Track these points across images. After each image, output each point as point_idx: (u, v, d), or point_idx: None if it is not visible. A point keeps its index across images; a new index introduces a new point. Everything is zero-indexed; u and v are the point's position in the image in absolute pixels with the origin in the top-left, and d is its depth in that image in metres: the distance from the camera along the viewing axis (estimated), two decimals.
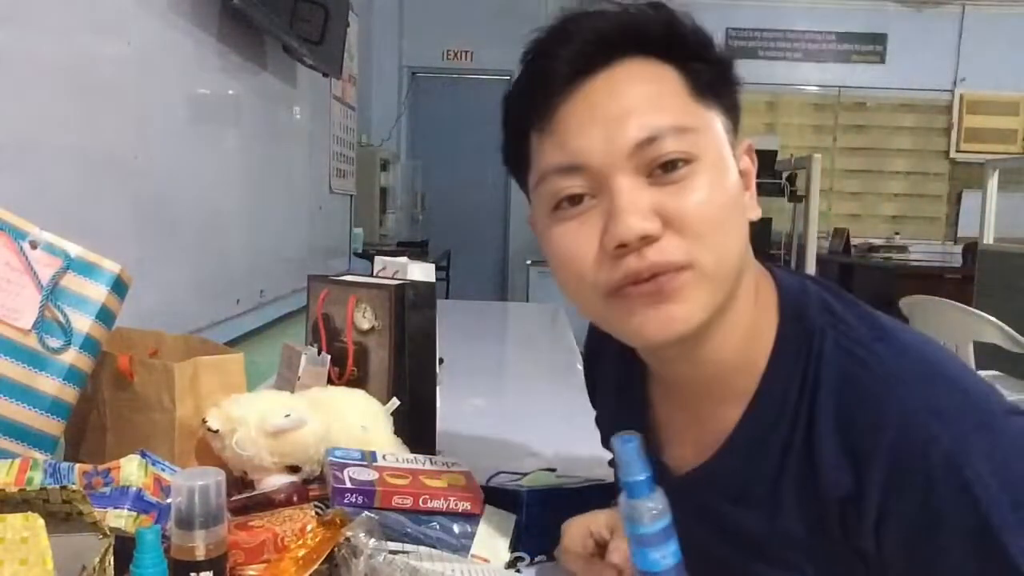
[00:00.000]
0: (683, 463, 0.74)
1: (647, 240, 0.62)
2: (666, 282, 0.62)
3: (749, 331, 0.69)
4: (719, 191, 0.64)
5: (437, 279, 1.44)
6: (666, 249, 0.62)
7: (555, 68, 0.66)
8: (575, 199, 0.65)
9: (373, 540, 0.72)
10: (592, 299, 0.66)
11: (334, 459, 0.90)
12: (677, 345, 0.66)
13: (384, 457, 0.93)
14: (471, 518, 0.86)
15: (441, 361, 1.21)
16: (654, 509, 0.62)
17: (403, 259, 1.44)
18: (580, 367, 1.32)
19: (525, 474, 1.10)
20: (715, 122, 0.66)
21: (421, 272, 1.44)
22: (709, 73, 0.66)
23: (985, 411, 0.61)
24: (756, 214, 0.69)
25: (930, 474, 0.58)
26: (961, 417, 0.60)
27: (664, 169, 0.63)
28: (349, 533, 0.73)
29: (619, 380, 0.84)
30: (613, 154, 0.63)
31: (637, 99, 0.64)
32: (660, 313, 0.63)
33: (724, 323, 0.67)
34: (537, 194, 0.69)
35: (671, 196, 0.62)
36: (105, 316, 0.92)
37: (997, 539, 0.57)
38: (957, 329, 3.04)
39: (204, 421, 0.93)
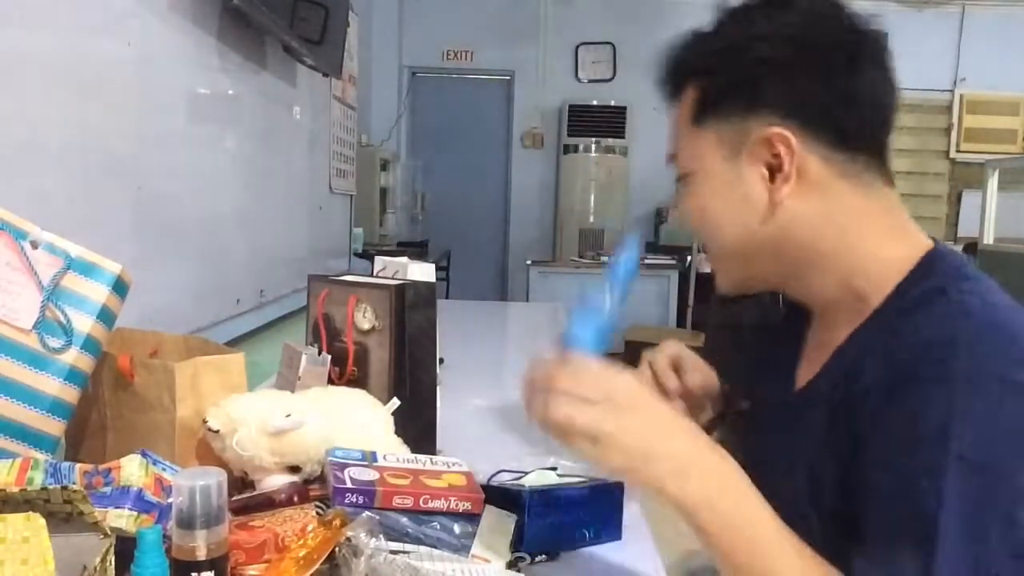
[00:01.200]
0: (802, 382, 0.84)
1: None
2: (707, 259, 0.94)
3: (857, 274, 0.78)
4: (705, 198, 0.82)
5: (437, 279, 1.44)
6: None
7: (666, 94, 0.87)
8: None
9: (374, 540, 0.72)
10: None
11: (334, 459, 0.90)
12: (770, 292, 0.87)
13: (384, 457, 0.93)
14: (471, 518, 0.86)
15: (441, 361, 1.22)
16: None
17: (403, 259, 1.44)
18: None
19: (526, 473, 1.10)
20: (705, 140, 0.81)
21: (421, 272, 1.44)
22: (723, 83, 0.79)
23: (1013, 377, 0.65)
24: (784, 193, 0.77)
25: (928, 388, 0.65)
26: (990, 361, 0.65)
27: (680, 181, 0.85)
28: (350, 533, 0.73)
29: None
30: None
31: (672, 125, 0.86)
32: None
33: (809, 273, 0.81)
34: None
35: (681, 203, 0.85)
36: (106, 316, 0.92)
37: (935, 461, 0.63)
38: None
39: (205, 421, 0.93)
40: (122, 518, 0.73)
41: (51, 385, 0.87)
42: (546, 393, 0.67)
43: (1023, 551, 0.62)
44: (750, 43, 0.77)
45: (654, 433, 0.67)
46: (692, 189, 0.83)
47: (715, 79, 0.80)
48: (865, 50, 0.77)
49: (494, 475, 1.08)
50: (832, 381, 0.77)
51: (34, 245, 0.89)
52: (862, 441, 0.69)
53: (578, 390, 0.67)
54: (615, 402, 0.67)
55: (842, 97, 0.75)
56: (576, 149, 6.29)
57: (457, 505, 0.86)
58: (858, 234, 0.78)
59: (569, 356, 0.70)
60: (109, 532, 0.66)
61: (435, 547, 0.81)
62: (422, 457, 0.97)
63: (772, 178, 0.77)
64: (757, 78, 0.76)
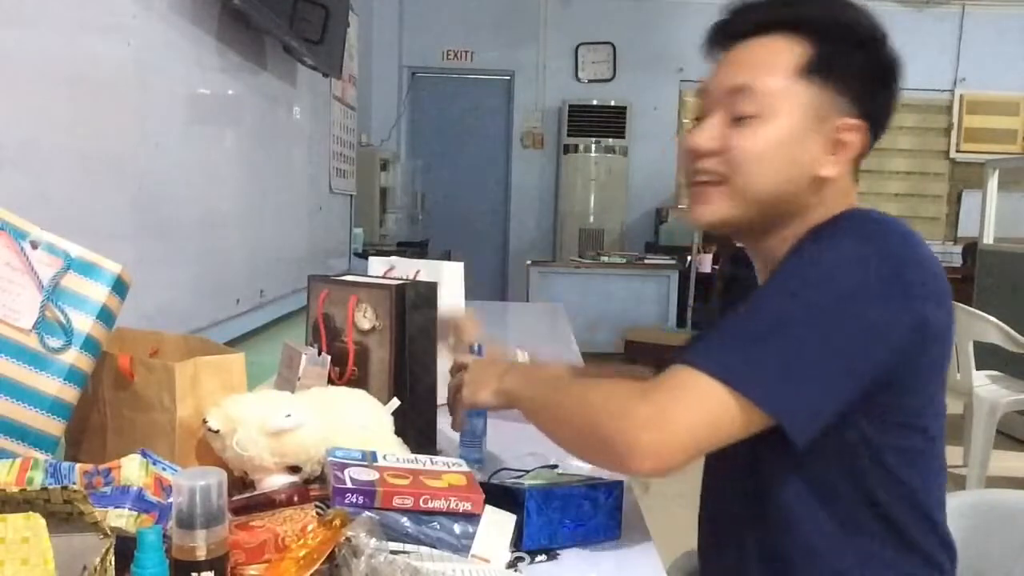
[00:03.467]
0: None
1: (698, 154, 0.92)
2: (699, 190, 0.93)
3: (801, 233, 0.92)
4: (767, 144, 0.88)
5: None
6: (706, 164, 0.92)
7: (730, 28, 0.94)
8: (699, 119, 0.95)
9: (374, 540, 0.72)
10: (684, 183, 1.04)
11: (335, 459, 0.90)
12: (731, 235, 0.97)
13: (385, 457, 0.93)
14: (472, 518, 0.86)
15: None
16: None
17: (423, 261, 1.50)
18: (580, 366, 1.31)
19: (526, 471, 1.10)
20: (803, 97, 0.88)
21: (450, 272, 1.48)
22: (840, 56, 0.88)
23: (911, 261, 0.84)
24: (831, 171, 0.90)
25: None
26: (887, 235, 0.86)
27: (738, 120, 0.90)
28: (350, 533, 0.73)
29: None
30: (717, 91, 0.93)
31: (752, 60, 0.91)
32: (694, 210, 0.95)
33: (786, 231, 0.92)
34: None
35: (734, 135, 0.90)
36: (106, 316, 0.92)
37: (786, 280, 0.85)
38: (957, 329, 3.04)
39: (205, 421, 0.93)
40: (122, 518, 0.73)
41: (51, 385, 0.87)
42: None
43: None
44: (875, 43, 0.90)
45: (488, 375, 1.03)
46: (755, 129, 0.88)
47: (837, 53, 0.88)
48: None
49: (494, 473, 1.08)
50: None
51: (34, 245, 0.89)
52: None
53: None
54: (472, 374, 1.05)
55: (890, 112, 0.93)
56: (576, 149, 6.29)
57: (457, 505, 0.85)
58: (835, 207, 0.92)
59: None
60: (109, 532, 0.66)
61: (435, 547, 0.81)
62: (422, 457, 0.97)
63: (831, 152, 0.90)
64: (869, 76, 0.90)
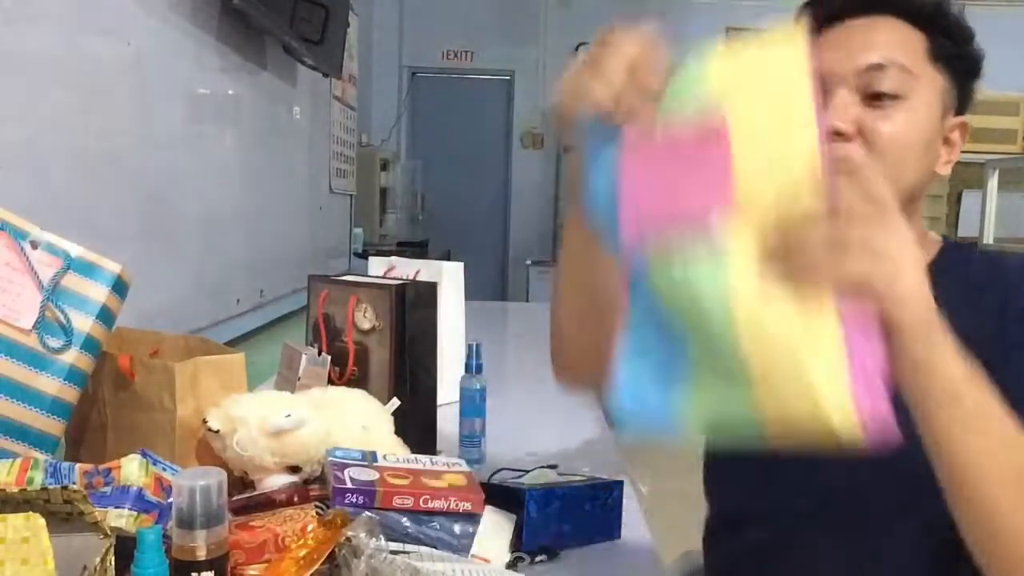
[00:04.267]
0: None
1: (840, 135, 0.78)
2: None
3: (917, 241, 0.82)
4: (911, 130, 0.80)
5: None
6: (850, 148, 0.78)
7: (833, 5, 0.83)
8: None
9: (374, 540, 0.72)
10: None
11: (335, 459, 0.90)
12: None
13: (385, 457, 0.93)
14: (472, 518, 0.86)
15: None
16: None
17: (423, 261, 1.49)
18: None
19: (526, 471, 1.10)
20: (937, 83, 0.82)
21: (450, 272, 1.49)
22: (950, 49, 0.83)
23: None
24: (944, 170, 0.85)
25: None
26: None
27: (876, 98, 0.80)
28: (350, 533, 0.73)
29: None
30: (848, 67, 0.80)
31: (883, 39, 0.81)
32: None
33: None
34: None
35: (873, 117, 0.80)
36: (105, 316, 0.92)
37: None
38: None
39: (205, 421, 0.93)
40: (122, 518, 0.73)
41: (51, 385, 0.87)
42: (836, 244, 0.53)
43: None
44: (973, 40, 0.86)
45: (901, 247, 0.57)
46: (900, 112, 0.80)
47: (952, 46, 0.83)
48: None
49: (494, 473, 1.08)
50: None
51: (34, 245, 0.89)
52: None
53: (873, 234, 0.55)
54: (889, 257, 0.56)
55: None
56: None
57: (457, 505, 0.85)
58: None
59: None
60: (109, 532, 0.66)
61: (435, 547, 0.81)
62: (422, 457, 0.97)
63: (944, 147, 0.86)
64: (970, 74, 0.86)
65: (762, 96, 0.55)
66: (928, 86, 0.82)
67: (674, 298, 0.56)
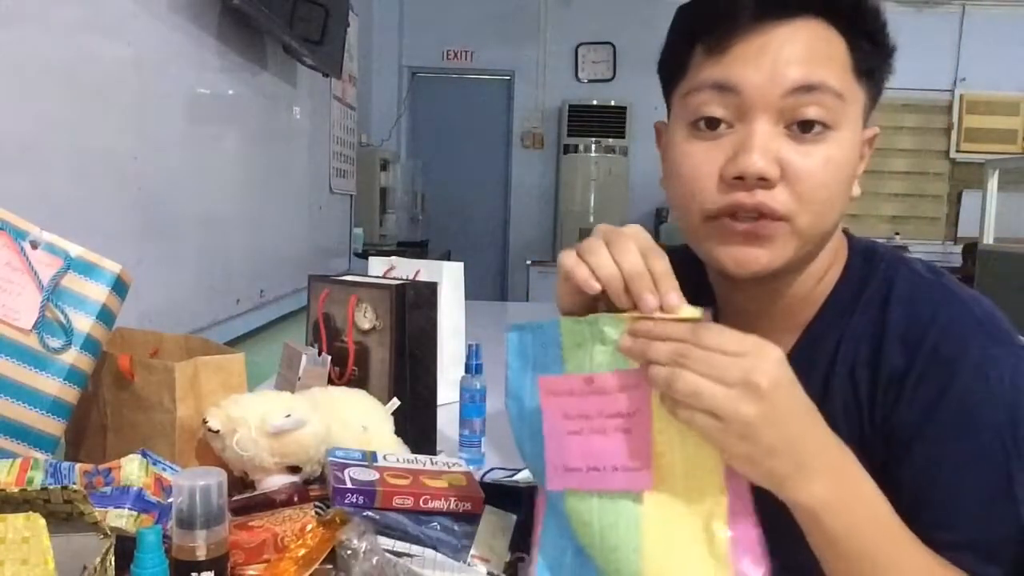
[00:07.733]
0: None
1: (762, 183, 0.67)
2: (762, 227, 0.69)
3: (821, 272, 0.77)
4: (839, 165, 0.69)
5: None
6: (777, 198, 0.68)
7: (743, 3, 0.68)
8: (713, 123, 0.70)
9: (374, 540, 0.72)
10: (694, 218, 0.72)
11: (335, 459, 0.90)
12: (755, 279, 0.72)
13: (385, 457, 0.93)
14: (472, 518, 0.86)
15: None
16: None
17: (423, 261, 1.49)
18: None
19: (519, 470, 1.10)
20: (860, 102, 0.71)
21: (450, 272, 1.49)
22: (873, 58, 0.71)
23: (1013, 343, 0.70)
24: (856, 192, 0.74)
25: (957, 368, 0.67)
26: (995, 338, 0.69)
27: (802, 128, 0.68)
28: (349, 533, 0.73)
29: None
30: (771, 89, 0.67)
31: (810, 52, 0.68)
32: (746, 253, 0.70)
33: (804, 269, 0.76)
34: (681, 104, 0.73)
35: (798, 154, 0.68)
36: (105, 316, 0.92)
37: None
38: None
39: (204, 421, 0.93)
40: (122, 518, 0.73)
41: (51, 385, 0.87)
42: (675, 356, 0.56)
43: None
44: (891, 44, 0.74)
45: (790, 428, 0.57)
46: (824, 146, 0.68)
47: (874, 52, 0.72)
48: None
49: (486, 473, 1.08)
50: (821, 363, 0.75)
51: (34, 245, 0.89)
52: (901, 429, 0.70)
53: (717, 364, 0.56)
54: (755, 385, 0.55)
55: None
56: (576, 149, 6.28)
57: (457, 505, 0.86)
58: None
59: (708, 323, 0.59)
60: (109, 532, 0.66)
61: (435, 547, 0.81)
62: (422, 457, 0.97)
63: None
64: (884, 81, 0.75)
65: None
66: (853, 105, 0.70)
67: (587, 535, 0.64)
